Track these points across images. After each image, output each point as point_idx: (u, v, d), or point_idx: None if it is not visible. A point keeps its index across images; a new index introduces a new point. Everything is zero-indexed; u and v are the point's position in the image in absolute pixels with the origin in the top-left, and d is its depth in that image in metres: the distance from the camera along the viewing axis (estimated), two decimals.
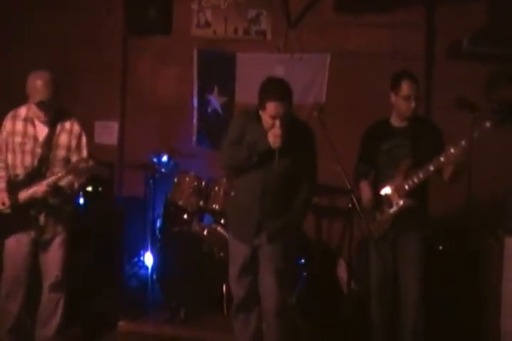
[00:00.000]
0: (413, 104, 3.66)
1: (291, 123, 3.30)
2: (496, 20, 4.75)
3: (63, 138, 3.70)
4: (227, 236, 4.70)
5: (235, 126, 3.47)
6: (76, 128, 3.74)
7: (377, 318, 3.83)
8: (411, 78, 3.67)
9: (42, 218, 3.70)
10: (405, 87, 3.65)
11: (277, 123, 3.21)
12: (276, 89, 3.24)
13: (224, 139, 3.50)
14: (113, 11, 5.57)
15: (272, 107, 3.20)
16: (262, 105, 3.25)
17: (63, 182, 3.60)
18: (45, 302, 3.81)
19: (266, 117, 3.25)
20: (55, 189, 3.59)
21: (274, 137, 3.22)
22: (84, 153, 3.74)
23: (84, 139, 3.75)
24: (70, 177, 3.58)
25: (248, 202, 3.45)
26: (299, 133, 3.37)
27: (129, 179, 5.65)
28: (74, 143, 3.71)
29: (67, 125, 3.71)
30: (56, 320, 3.82)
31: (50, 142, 3.66)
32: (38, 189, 3.58)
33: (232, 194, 3.95)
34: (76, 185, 3.67)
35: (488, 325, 3.97)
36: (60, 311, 3.82)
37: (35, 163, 3.66)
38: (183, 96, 5.65)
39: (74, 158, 3.69)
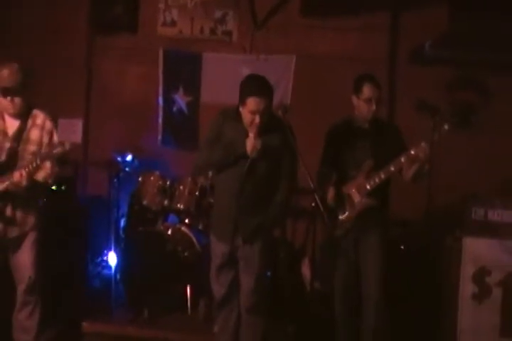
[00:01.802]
0: (374, 107, 3.72)
1: (270, 122, 3.35)
2: (457, 26, 4.86)
3: (34, 133, 3.65)
4: (191, 235, 4.75)
5: (213, 125, 3.51)
6: (48, 124, 3.69)
7: (341, 316, 3.88)
8: (372, 81, 3.73)
9: (8, 211, 3.61)
10: (366, 90, 3.71)
11: (257, 119, 3.26)
12: (256, 84, 3.29)
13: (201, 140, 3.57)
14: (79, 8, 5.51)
15: (252, 102, 3.24)
16: (242, 101, 3.29)
17: (41, 175, 3.55)
18: (20, 305, 3.74)
19: (246, 113, 3.29)
20: (31, 181, 3.50)
21: (252, 147, 3.27)
22: None
23: (55, 136, 3.69)
24: (47, 166, 3.53)
25: (226, 202, 3.49)
26: (279, 133, 3.40)
27: (93, 178, 5.60)
28: (46, 138, 3.67)
29: (39, 120, 3.67)
30: (34, 324, 3.77)
31: (19, 136, 3.60)
32: (14, 181, 3.47)
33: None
34: (52, 175, 3.61)
35: (446, 323, 4.06)
36: (37, 314, 3.77)
37: (3, 157, 3.59)
38: (148, 95, 5.63)
39: None
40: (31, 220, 3.70)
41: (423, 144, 3.52)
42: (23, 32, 5.61)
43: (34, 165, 3.47)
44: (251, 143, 3.28)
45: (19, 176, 3.45)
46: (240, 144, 3.33)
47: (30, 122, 3.65)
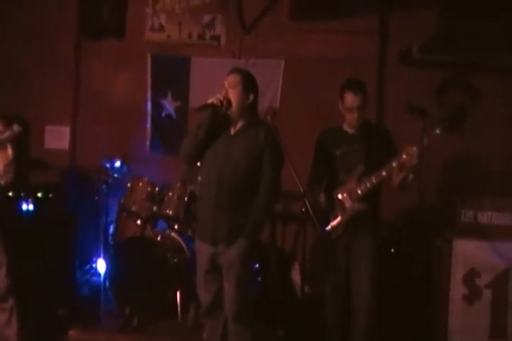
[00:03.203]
0: (356, 116, 3.71)
1: (254, 122, 3.47)
2: (446, 29, 4.87)
3: None
4: (181, 241, 4.71)
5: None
6: None
7: (331, 321, 3.85)
8: (354, 89, 3.71)
9: None
10: (348, 99, 3.71)
11: (228, 91, 3.45)
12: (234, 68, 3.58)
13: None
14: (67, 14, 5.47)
15: (229, 78, 3.51)
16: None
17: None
18: None
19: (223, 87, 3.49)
20: None
21: (212, 96, 3.45)
22: (9, 150, 3.71)
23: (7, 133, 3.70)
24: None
25: (206, 203, 3.52)
26: (262, 134, 3.46)
27: (81, 184, 5.54)
28: None
29: None
30: (13, 331, 3.73)
31: None
32: None
33: None
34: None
35: (437, 324, 4.08)
36: (15, 322, 3.73)
37: None
38: (136, 100, 5.59)
39: None
40: None
41: (415, 149, 3.51)
42: (11, 37, 5.56)
43: None
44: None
45: None
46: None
47: None
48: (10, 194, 4.65)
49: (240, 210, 3.44)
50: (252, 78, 3.56)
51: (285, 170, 3.47)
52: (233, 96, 3.46)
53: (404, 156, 3.55)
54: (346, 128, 3.84)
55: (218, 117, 3.48)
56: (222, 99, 3.43)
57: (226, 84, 3.50)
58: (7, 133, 3.52)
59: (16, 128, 3.53)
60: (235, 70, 3.57)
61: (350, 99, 3.69)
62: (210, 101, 3.45)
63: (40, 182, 4.74)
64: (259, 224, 3.53)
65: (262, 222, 3.56)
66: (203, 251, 3.55)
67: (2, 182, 3.68)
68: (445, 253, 4.03)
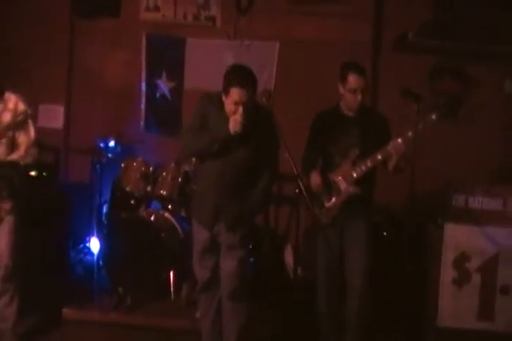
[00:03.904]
0: (359, 97, 3.70)
1: (254, 112, 3.31)
2: (442, 15, 4.87)
3: (6, 117, 3.59)
4: (174, 222, 4.74)
5: (197, 110, 3.47)
6: (21, 106, 3.63)
7: (323, 304, 3.87)
8: (357, 71, 3.69)
9: None
10: (352, 80, 3.68)
11: (240, 109, 3.22)
12: (240, 75, 3.25)
13: (185, 125, 3.52)
14: None
15: (235, 93, 3.21)
16: (225, 91, 3.26)
17: (13, 156, 3.54)
18: None
19: (228, 103, 3.26)
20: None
21: (234, 123, 3.24)
22: (32, 131, 3.65)
23: (30, 119, 3.65)
24: (21, 148, 3.54)
25: (206, 188, 3.49)
26: (262, 122, 3.38)
27: (75, 164, 5.56)
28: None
29: (11, 104, 3.61)
30: (13, 312, 3.72)
31: None
32: None
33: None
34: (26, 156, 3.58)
35: (428, 306, 4.13)
36: (16, 302, 3.72)
37: None
38: (131, 80, 5.58)
39: (21, 137, 3.61)
40: (6, 206, 3.64)
41: (410, 133, 3.53)
42: (4, 16, 5.50)
43: None
44: (233, 119, 3.25)
45: None
46: (223, 130, 3.30)
47: (1, 106, 3.60)
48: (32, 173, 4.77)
49: (243, 197, 3.44)
50: (254, 78, 3.31)
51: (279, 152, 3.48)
52: (247, 109, 3.27)
53: (399, 141, 3.57)
54: (343, 110, 3.83)
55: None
56: (242, 120, 3.26)
57: (237, 100, 3.23)
58: (21, 116, 3.45)
59: (29, 111, 3.48)
60: (239, 84, 3.22)
61: (355, 80, 3.67)
62: (235, 130, 3.25)
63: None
64: (260, 208, 3.56)
65: (264, 206, 3.59)
66: (202, 232, 3.56)
67: (21, 163, 3.64)
68: (436, 238, 4.08)
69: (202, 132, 3.38)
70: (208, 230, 3.52)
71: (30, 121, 3.65)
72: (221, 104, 3.33)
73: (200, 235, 3.57)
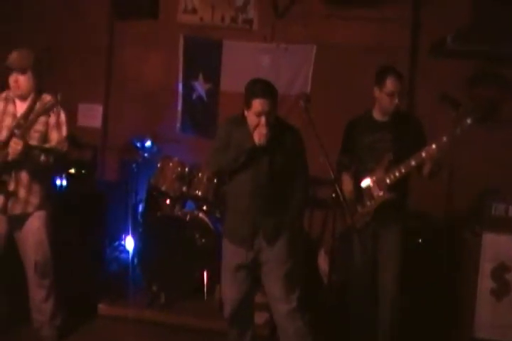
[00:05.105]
0: (396, 101, 3.70)
1: (278, 125, 3.32)
2: (480, 18, 4.82)
3: (42, 118, 3.66)
4: (208, 222, 4.80)
5: (221, 132, 3.48)
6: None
7: (356, 309, 3.88)
8: (395, 74, 3.70)
9: (12, 185, 3.62)
10: (389, 84, 3.68)
11: (263, 120, 3.23)
12: (261, 86, 3.27)
13: (211, 145, 3.53)
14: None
15: (257, 104, 3.21)
16: (247, 104, 3.27)
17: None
18: (34, 287, 3.80)
19: (251, 116, 3.27)
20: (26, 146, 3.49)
21: (259, 135, 3.25)
22: (64, 129, 3.73)
23: (63, 116, 3.72)
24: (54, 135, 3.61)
25: (240, 203, 3.43)
26: (286, 133, 3.39)
27: (112, 163, 5.65)
28: (53, 119, 3.69)
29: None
30: (50, 306, 3.83)
31: (27, 117, 3.62)
32: (12, 148, 3.47)
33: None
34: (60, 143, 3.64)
35: (464, 318, 4.06)
36: (53, 297, 3.82)
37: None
38: (168, 81, 5.64)
39: (53, 135, 3.69)
40: (35, 200, 3.70)
41: (445, 139, 3.51)
42: (45, 18, 5.64)
43: (28, 125, 3.54)
44: (258, 131, 3.25)
45: (13, 142, 3.47)
46: (248, 144, 3.31)
47: (38, 105, 3.68)
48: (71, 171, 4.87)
49: (280, 210, 3.41)
50: (274, 89, 3.30)
51: (314, 157, 3.45)
52: (269, 119, 3.25)
53: (433, 146, 3.54)
54: (377, 115, 3.83)
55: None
56: (267, 132, 3.24)
57: (260, 110, 3.21)
58: (51, 103, 3.53)
59: (59, 97, 3.53)
60: (260, 94, 3.21)
61: (392, 83, 3.67)
62: (260, 142, 3.25)
63: (72, 159, 4.79)
64: (299, 220, 3.53)
65: (301, 217, 3.55)
66: (239, 253, 3.42)
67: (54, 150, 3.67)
68: (474, 246, 4.00)
69: (227, 148, 3.38)
70: (247, 249, 3.40)
71: (62, 117, 3.72)
72: (244, 122, 3.33)
73: (236, 256, 3.43)
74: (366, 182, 3.78)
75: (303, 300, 3.43)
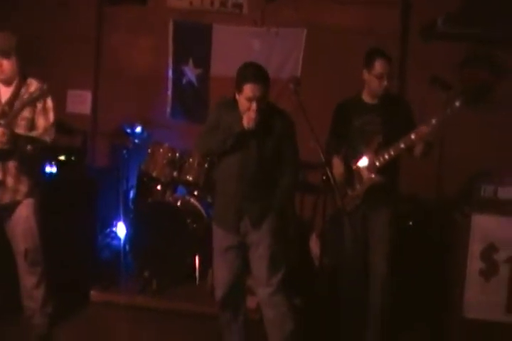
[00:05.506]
0: (385, 83, 3.68)
1: (268, 109, 3.30)
2: (471, 1, 4.80)
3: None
4: (200, 207, 4.79)
5: (212, 115, 3.48)
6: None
7: (347, 292, 3.88)
8: (384, 56, 3.68)
9: (0, 172, 3.57)
10: (378, 66, 3.66)
11: (254, 106, 3.20)
12: (253, 71, 3.24)
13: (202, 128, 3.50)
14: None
15: (248, 89, 3.18)
16: (239, 88, 3.24)
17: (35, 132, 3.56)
18: (24, 274, 3.77)
19: (242, 100, 3.24)
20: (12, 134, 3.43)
21: (248, 119, 3.22)
22: (51, 116, 3.67)
23: (49, 102, 3.67)
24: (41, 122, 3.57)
25: (227, 187, 3.42)
26: (276, 117, 3.37)
27: (102, 149, 5.63)
28: (39, 105, 3.64)
29: (32, 88, 3.64)
30: (41, 293, 3.80)
31: (12, 103, 3.58)
32: None
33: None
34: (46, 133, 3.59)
35: (453, 299, 4.07)
36: (44, 284, 3.80)
37: None
38: (157, 67, 5.61)
39: (40, 121, 3.64)
40: (23, 188, 3.66)
41: (434, 121, 3.50)
42: (33, 4, 5.57)
43: (13, 114, 3.48)
44: (247, 115, 3.23)
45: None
46: (237, 127, 3.28)
47: (23, 90, 3.63)
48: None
49: (267, 195, 3.39)
50: (266, 74, 3.26)
51: (304, 141, 3.42)
52: (261, 105, 3.22)
53: (423, 128, 3.53)
54: (366, 98, 3.81)
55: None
56: (256, 116, 3.21)
57: (251, 95, 3.18)
58: (37, 92, 3.47)
59: (45, 86, 3.48)
60: (252, 79, 3.18)
61: (381, 65, 3.65)
62: (249, 126, 3.22)
63: (62, 145, 4.76)
64: (286, 205, 3.51)
65: (289, 202, 3.53)
66: (227, 238, 3.43)
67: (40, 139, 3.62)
68: (463, 228, 3.98)
69: (216, 131, 3.36)
70: (234, 232, 3.41)
71: (49, 103, 3.67)
72: (235, 105, 3.31)
73: (224, 241, 3.44)
74: (364, 162, 3.75)
75: (288, 284, 3.43)
